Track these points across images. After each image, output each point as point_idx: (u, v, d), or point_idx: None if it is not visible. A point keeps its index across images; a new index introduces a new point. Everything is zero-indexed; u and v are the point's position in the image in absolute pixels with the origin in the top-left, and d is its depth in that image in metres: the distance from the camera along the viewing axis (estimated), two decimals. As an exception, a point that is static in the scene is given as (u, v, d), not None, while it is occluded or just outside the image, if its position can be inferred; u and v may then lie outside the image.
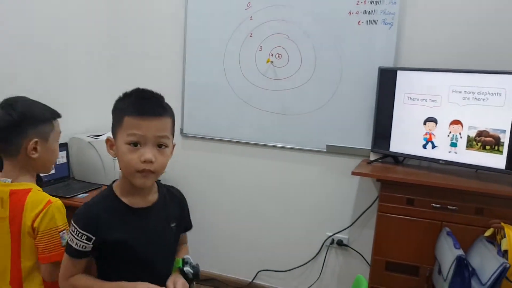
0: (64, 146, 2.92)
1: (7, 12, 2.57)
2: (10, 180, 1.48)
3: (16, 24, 2.62)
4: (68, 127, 3.02)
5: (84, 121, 3.15)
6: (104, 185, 2.86)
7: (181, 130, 3.19)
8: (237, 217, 3.14)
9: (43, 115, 1.54)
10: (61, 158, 2.89)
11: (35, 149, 1.51)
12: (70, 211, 2.58)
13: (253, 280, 3.14)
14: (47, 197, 1.49)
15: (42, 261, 1.46)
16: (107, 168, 2.85)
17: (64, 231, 1.48)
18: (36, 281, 1.49)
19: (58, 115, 1.63)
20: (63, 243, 1.45)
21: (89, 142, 2.89)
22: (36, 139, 1.50)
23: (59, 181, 2.85)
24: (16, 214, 1.45)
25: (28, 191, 1.47)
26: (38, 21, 2.76)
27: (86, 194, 2.67)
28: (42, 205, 1.46)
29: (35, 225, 1.44)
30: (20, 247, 1.47)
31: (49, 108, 1.60)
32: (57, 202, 1.50)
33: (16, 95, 2.61)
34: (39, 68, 2.79)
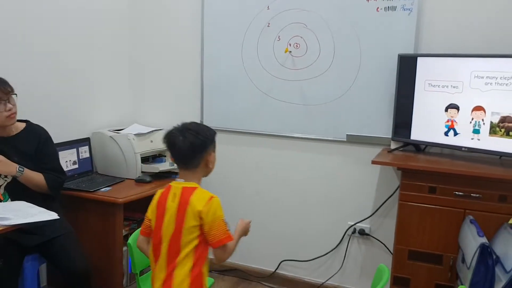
0: (86, 141, 2.98)
1: (34, 13, 2.63)
2: (183, 180, 1.80)
3: (41, 24, 2.68)
4: (90, 122, 3.10)
5: (106, 116, 3.21)
6: (126, 178, 2.91)
7: (201, 122, 3.20)
8: (259, 208, 3.15)
9: (213, 134, 1.86)
10: (84, 152, 2.95)
11: (211, 160, 1.84)
12: (94, 204, 2.65)
13: (276, 270, 3.15)
14: (210, 193, 1.78)
15: (214, 246, 1.73)
16: (128, 162, 2.90)
17: (225, 219, 1.77)
18: (186, 268, 1.71)
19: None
20: (228, 227, 1.76)
21: (110, 137, 2.94)
22: (213, 153, 1.85)
23: (83, 176, 2.91)
24: (183, 207, 1.72)
25: (194, 188, 1.76)
26: (63, 21, 2.83)
27: (109, 188, 2.71)
28: (206, 200, 1.73)
29: (202, 216, 1.70)
30: (181, 238, 1.71)
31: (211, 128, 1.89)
32: (216, 197, 1.78)
33: (42, 92, 2.70)
34: (63, 67, 2.86)
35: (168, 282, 1.71)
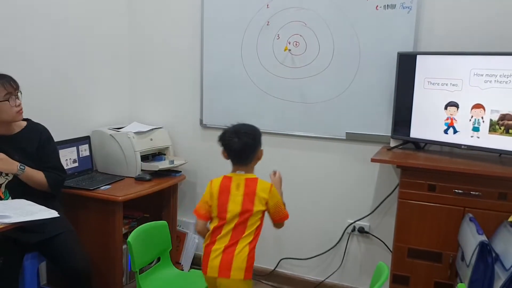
0: (86, 139, 2.98)
1: (35, 12, 2.64)
2: (243, 172, 2.10)
3: (42, 23, 2.69)
4: (91, 121, 3.10)
5: (106, 114, 3.21)
6: (126, 176, 2.91)
7: (201, 121, 3.21)
8: (258, 206, 3.15)
9: (260, 133, 2.16)
10: (84, 151, 2.95)
11: (260, 156, 2.16)
12: (94, 202, 2.65)
13: (275, 268, 3.16)
14: (268, 183, 2.11)
15: (276, 222, 2.15)
16: (128, 160, 2.90)
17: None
18: (247, 241, 2.02)
19: None
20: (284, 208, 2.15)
21: (110, 135, 2.94)
22: (261, 149, 2.16)
23: (83, 174, 2.91)
24: (250, 196, 2.05)
25: (256, 179, 2.09)
26: (63, 19, 2.83)
27: (109, 186, 2.72)
28: (268, 189, 2.07)
29: (268, 202, 2.06)
30: (248, 220, 2.03)
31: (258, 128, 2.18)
32: (273, 185, 2.11)
33: (42, 90, 2.70)
34: (63, 66, 2.87)
35: (231, 249, 1.99)
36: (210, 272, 2.00)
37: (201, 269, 2.53)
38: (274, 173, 2.24)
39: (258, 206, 2.04)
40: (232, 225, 2.02)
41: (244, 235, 2.02)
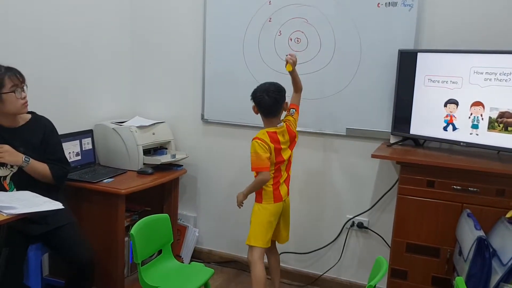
0: (89, 133, 3.00)
1: (37, 8, 2.64)
2: (282, 123, 2.52)
3: (46, 18, 2.70)
4: (93, 115, 3.12)
5: (109, 108, 3.23)
6: (128, 170, 2.94)
7: (202, 115, 3.23)
8: (258, 201, 3.18)
9: (284, 88, 2.49)
10: (87, 144, 2.97)
11: (286, 107, 2.54)
12: (97, 195, 2.68)
13: (274, 262, 3.19)
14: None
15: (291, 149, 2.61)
16: (131, 154, 2.92)
17: None
18: (289, 171, 2.65)
19: None
20: None
21: (113, 129, 2.96)
22: (287, 102, 2.54)
23: (85, 167, 2.94)
24: (293, 139, 2.56)
25: (286, 124, 2.54)
26: (67, 13, 2.84)
27: (111, 179, 2.74)
28: (293, 126, 2.58)
29: (297, 139, 2.60)
30: (291, 156, 2.60)
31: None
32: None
33: (46, 83, 2.72)
34: (66, 59, 2.88)
35: (287, 180, 2.61)
36: (283, 197, 2.57)
37: (200, 262, 2.64)
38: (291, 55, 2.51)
39: (294, 145, 2.60)
40: (286, 163, 2.55)
41: (290, 167, 2.62)
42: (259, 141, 2.43)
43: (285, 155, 2.53)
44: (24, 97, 2.22)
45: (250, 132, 3.10)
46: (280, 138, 2.49)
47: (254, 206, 2.60)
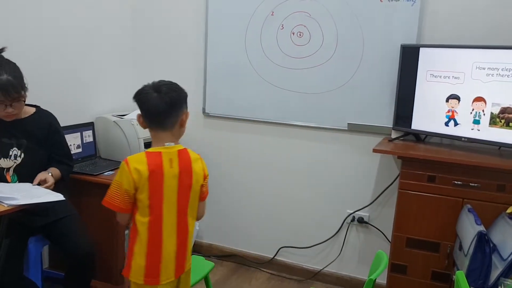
0: (90, 126, 3.00)
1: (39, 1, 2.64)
2: (173, 143, 1.72)
3: (49, 12, 2.70)
4: (94, 107, 3.12)
5: (110, 101, 3.23)
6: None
7: (203, 109, 3.23)
8: (259, 195, 3.19)
9: (185, 92, 1.76)
10: (88, 137, 2.97)
11: (185, 120, 1.76)
12: (97, 188, 2.68)
13: (274, 256, 3.20)
14: (194, 152, 1.80)
15: (203, 199, 1.84)
16: (132, 147, 2.92)
17: None
18: (192, 226, 1.80)
19: None
20: None
21: (114, 122, 2.96)
22: (187, 112, 1.76)
23: (86, 160, 2.94)
24: (187, 171, 1.73)
25: (185, 149, 1.76)
26: (70, 7, 2.84)
27: (112, 172, 2.75)
28: (200, 159, 1.80)
29: (206, 174, 1.81)
30: (188, 201, 1.75)
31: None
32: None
33: (47, 75, 2.72)
34: (68, 52, 2.87)
35: (183, 242, 1.77)
36: (168, 275, 1.74)
37: (200, 255, 2.53)
38: None
39: (198, 182, 1.76)
40: (173, 210, 1.70)
41: (188, 218, 1.76)
42: (125, 165, 1.66)
43: (171, 195, 1.69)
44: (8, 112, 2.13)
45: (252, 126, 3.12)
46: (165, 164, 1.67)
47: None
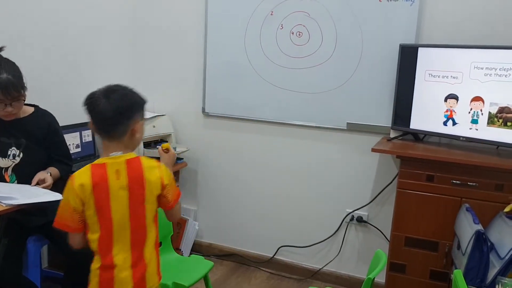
0: (89, 125, 3.00)
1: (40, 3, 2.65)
2: (121, 152, 1.61)
3: (47, 11, 2.70)
4: (93, 107, 3.10)
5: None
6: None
7: (203, 109, 3.24)
8: (258, 194, 3.20)
9: (142, 99, 1.67)
10: (87, 136, 2.98)
11: (138, 130, 1.65)
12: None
13: (274, 255, 3.21)
14: (153, 159, 1.68)
15: (173, 207, 1.70)
16: (131, 146, 2.93)
17: None
18: (152, 242, 1.67)
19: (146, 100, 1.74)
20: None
21: (113, 121, 2.96)
22: (141, 121, 1.65)
23: (86, 159, 2.94)
24: (137, 181, 1.60)
25: (138, 158, 1.63)
26: (67, 6, 2.84)
27: (111, 171, 2.74)
28: (157, 166, 1.65)
29: (164, 182, 1.65)
30: (145, 214, 1.63)
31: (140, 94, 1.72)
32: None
33: (46, 75, 2.72)
34: (67, 51, 2.88)
35: (140, 264, 1.63)
36: None
37: (199, 254, 2.55)
38: (167, 149, 1.86)
39: (152, 192, 1.63)
40: (125, 226, 1.59)
41: (146, 233, 1.64)
42: (70, 181, 1.59)
43: (121, 208, 1.58)
44: (9, 111, 2.15)
45: (251, 125, 3.12)
46: (111, 176, 1.57)
47: None
